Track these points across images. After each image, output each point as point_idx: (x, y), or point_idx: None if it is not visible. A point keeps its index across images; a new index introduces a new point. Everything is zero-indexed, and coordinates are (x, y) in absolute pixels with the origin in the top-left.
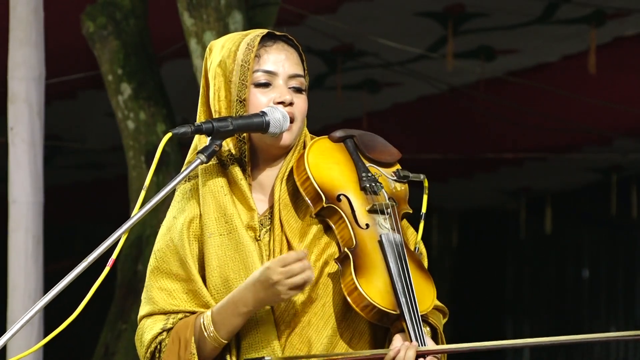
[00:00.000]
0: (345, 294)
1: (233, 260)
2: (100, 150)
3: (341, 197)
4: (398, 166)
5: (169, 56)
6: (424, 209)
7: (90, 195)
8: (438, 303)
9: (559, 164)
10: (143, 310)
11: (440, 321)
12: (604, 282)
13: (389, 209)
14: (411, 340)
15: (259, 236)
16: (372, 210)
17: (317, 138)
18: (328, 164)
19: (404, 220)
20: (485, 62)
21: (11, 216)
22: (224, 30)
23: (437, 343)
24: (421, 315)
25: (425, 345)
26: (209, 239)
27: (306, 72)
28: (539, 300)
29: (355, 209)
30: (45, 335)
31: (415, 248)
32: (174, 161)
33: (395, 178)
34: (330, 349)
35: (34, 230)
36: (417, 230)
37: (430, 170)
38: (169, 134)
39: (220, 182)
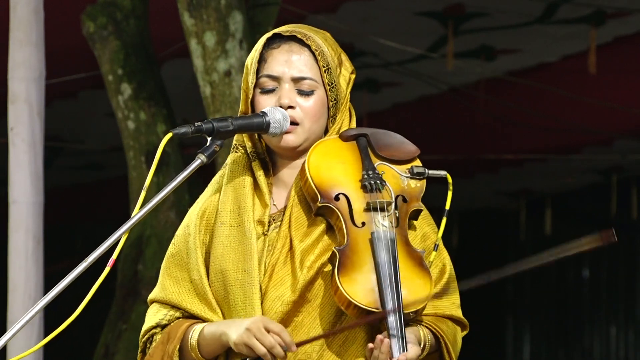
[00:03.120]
0: (332, 292)
1: (235, 252)
2: (100, 151)
3: (340, 196)
4: (415, 163)
5: (169, 56)
6: (447, 206)
7: (90, 196)
8: (455, 314)
9: (559, 165)
10: (154, 293)
11: (450, 331)
12: (604, 282)
13: (389, 207)
14: (390, 339)
15: (267, 231)
16: (369, 209)
17: (327, 137)
18: (331, 163)
19: (425, 217)
20: (485, 61)
21: (11, 216)
22: (224, 31)
23: (441, 351)
24: (428, 322)
25: (406, 346)
26: (220, 227)
27: (323, 70)
28: (540, 300)
29: (353, 207)
30: (45, 335)
31: (434, 245)
32: (174, 161)
33: (408, 175)
34: (321, 351)
35: (34, 231)
36: (438, 226)
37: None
38: (169, 134)
39: (244, 175)
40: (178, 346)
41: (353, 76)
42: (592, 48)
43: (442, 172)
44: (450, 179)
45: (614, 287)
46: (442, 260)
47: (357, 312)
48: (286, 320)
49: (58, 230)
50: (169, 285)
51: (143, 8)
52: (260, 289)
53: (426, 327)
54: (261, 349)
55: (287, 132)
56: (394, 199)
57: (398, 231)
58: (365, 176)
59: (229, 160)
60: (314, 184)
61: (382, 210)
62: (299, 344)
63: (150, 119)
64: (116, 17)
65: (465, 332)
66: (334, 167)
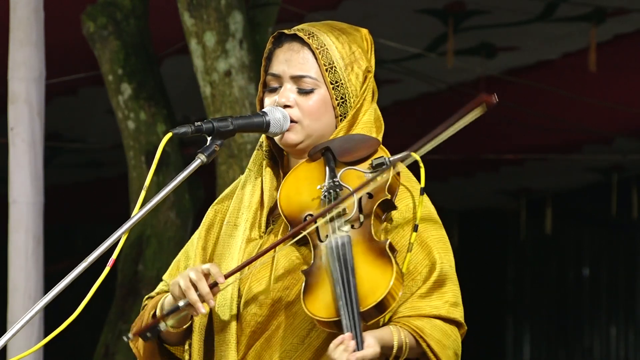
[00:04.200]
0: None
1: (227, 250)
2: (100, 149)
3: (307, 218)
4: (379, 154)
5: (169, 53)
6: (422, 183)
7: (90, 195)
8: (444, 313)
9: (560, 164)
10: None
11: (437, 330)
12: (604, 282)
13: (344, 211)
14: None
15: (264, 232)
16: (331, 219)
17: (299, 163)
18: (300, 188)
19: (406, 203)
20: (485, 59)
21: (11, 216)
22: (224, 31)
23: (420, 348)
24: (403, 322)
25: (362, 344)
26: (225, 225)
27: (324, 68)
28: (540, 300)
29: (318, 225)
30: (45, 335)
31: (414, 226)
32: (174, 161)
33: (370, 170)
34: (295, 356)
35: (34, 231)
36: (424, 207)
37: (431, 170)
38: (169, 134)
39: (257, 174)
40: (153, 312)
41: (370, 74)
42: (592, 46)
43: (405, 153)
44: (418, 157)
45: (614, 287)
46: (430, 260)
47: (328, 326)
48: (264, 323)
49: (58, 230)
50: (171, 267)
51: (143, 8)
52: (239, 290)
53: (404, 328)
54: (185, 282)
55: (287, 130)
56: (355, 200)
57: (359, 231)
58: (324, 189)
59: (250, 160)
60: (285, 216)
61: (336, 217)
62: (227, 276)
63: (150, 118)
64: (116, 17)
65: (462, 331)
66: (303, 191)
